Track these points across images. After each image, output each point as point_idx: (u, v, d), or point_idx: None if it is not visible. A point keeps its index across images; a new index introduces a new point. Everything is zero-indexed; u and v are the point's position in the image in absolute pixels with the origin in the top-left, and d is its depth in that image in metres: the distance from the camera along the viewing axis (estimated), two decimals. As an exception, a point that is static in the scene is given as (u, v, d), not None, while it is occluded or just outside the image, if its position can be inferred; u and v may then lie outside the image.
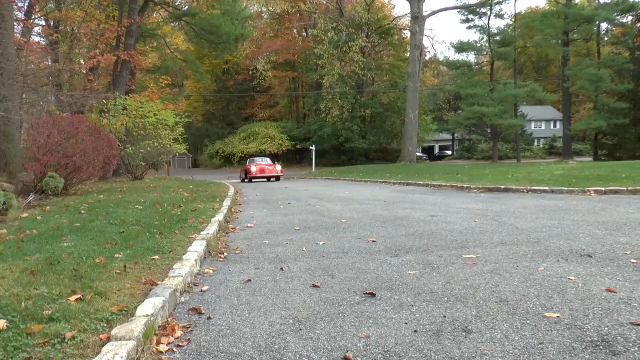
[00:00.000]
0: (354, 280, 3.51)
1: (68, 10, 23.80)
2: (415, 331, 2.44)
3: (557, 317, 2.55)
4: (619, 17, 38.06)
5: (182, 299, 3.19)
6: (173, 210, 7.67)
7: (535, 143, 61.61)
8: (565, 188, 9.87)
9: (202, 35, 28.79)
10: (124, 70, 22.81)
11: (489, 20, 43.00)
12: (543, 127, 66.46)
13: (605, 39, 41.90)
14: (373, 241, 5.09)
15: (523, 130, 46.46)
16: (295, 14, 46.66)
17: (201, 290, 3.38)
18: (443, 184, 13.50)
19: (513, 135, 43.59)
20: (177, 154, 25.58)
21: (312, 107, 47.70)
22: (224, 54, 35.99)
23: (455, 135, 63.06)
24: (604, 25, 40.89)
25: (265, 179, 25.02)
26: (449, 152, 64.78)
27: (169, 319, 2.74)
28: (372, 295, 3.08)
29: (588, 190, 9.33)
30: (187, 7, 30.42)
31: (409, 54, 31.29)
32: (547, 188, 10.11)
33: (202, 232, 5.31)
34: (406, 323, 2.56)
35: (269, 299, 3.12)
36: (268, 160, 26.98)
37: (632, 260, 3.77)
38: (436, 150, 68.64)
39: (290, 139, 45.48)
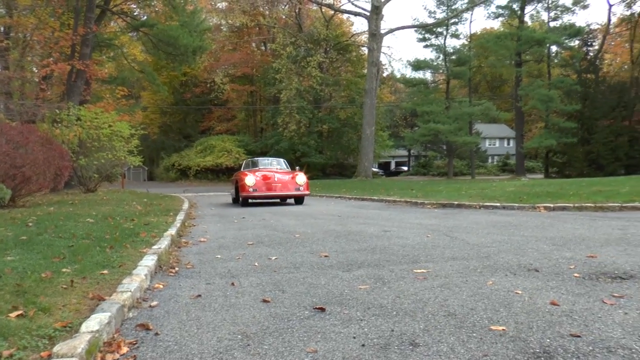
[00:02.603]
0: (305, 295, 3.51)
1: (20, 17, 23.17)
2: (363, 345, 2.45)
3: (503, 330, 2.61)
4: (567, 40, 39.65)
5: (130, 314, 3.12)
6: (125, 223, 7.52)
7: (490, 160, 63.10)
8: (517, 204, 10.12)
9: (160, 47, 28.53)
10: (78, 80, 22.30)
11: (445, 39, 44.06)
12: (497, 144, 68.13)
13: (555, 61, 43.44)
14: (326, 256, 5.10)
15: (478, 148, 47.51)
16: (254, 27, 46.72)
17: (150, 306, 3.31)
18: (398, 199, 13.66)
19: (468, 152, 44.59)
20: (132, 166, 25.07)
21: (269, 121, 47.60)
22: (182, 66, 35.67)
23: (412, 151, 64.01)
24: (554, 48, 42.41)
25: (274, 200, 15.11)
26: (405, 168, 65.63)
27: (115, 335, 2.67)
28: (322, 310, 3.09)
29: (538, 207, 9.59)
30: (145, 17, 30.12)
31: (366, 70, 31.64)
32: (499, 204, 10.35)
33: (153, 247, 5.22)
34: (354, 337, 2.57)
35: (219, 314, 3.09)
36: (282, 165, 15.88)
37: (575, 275, 3.88)
38: (392, 166, 69.47)
39: (247, 153, 45.22)
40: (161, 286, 3.90)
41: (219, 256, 5.30)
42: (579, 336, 2.49)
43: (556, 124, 37.80)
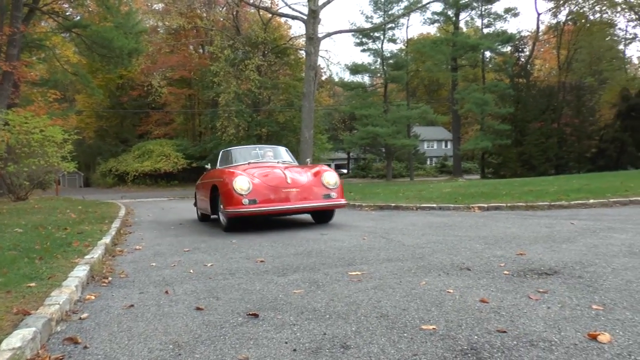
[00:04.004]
0: (239, 301, 3.49)
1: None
2: (295, 350, 2.46)
3: (433, 329, 2.67)
4: (499, 47, 41.22)
5: (59, 328, 3.01)
6: (57, 233, 7.26)
7: (428, 162, 64.53)
8: (452, 205, 10.38)
9: (94, 49, 27.64)
10: (6, 82, 21.33)
11: (382, 44, 44.78)
12: (435, 146, 69.75)
13: (490, 66, 44.98)
14: (261, 261, 5.08)
15: (416, 150, 48.54)
16: (191, 30, 46.08)
17: (80, 318, 3.21)
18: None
19: (407, 154, 45.47)
20: (66, 172, 24.18)
21: (208, 125, 47.03)
22: (117, 69, 34.70)
23: (351, 154, 64.66)
24: (488, 54, 43.93)
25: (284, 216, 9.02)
26: (345, 171, 66.22)
27: (40, 351, 2.58)
28: (256, 316, 3.08)
29: (472, 207, 9.87)
30: (79, 17, 29.16)
31: (304, 74, 31.73)
32: (435, 205, 10.59)
33: (86, 256, 5.06)
34: (286, 342, 2.57)
35: (151, 324, 3.03)
36: (286, 157, 10.03)
37: (505, 272, 4.02)
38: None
39: (186, 157, 44.58)
40: (93, 297, 3.79)
41: (154, 264, 5.20)
42: (505, 332, 2.58)
43: (491, 126, 39.20)
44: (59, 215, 10.97)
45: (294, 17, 31.28)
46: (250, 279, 4.23)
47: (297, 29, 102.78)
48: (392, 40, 46.20)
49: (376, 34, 44.19)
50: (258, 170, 8.28)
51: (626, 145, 38.24)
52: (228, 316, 3.12)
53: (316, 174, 8.24)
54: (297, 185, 7.79)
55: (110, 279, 4.48)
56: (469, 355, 2.29)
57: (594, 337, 2.46)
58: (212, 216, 9.33)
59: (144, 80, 44.65)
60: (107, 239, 6.51)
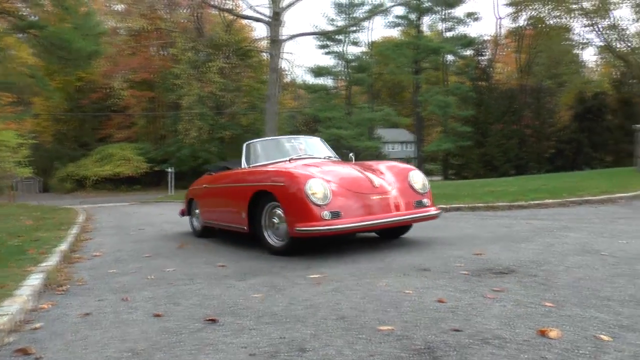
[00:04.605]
0: (198, 307, 3.46)
1: None
2: (252, 354, 2.45)
3: (390, 329, 2.70)
4: (461, 50, 41.95)
5: (10, 339, 2.93)
6: (11, 240, 7.07)
7: (392, 164, 64.85)
8: (413, 207, 10.46)
9: (51, 50, 27.03)
10: (-44, 85, 20.71)
11: (345, 47, 44.96)
12: (398, 148, 70.25)
13: (452, 69, 45.68)
14: (222, 266, 5.06)
15: (380, 152, 48.84)
16: (153, 31, 45.47)
17: (33, 328, 3.13)
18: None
19: (370, 156, 45.73)
20: (22, 178, 23.56)
21: (170, 128, 46.44)
22: (76, 71, 34.04)
23: (316, 156, 64.56)
24: (450, 57, 44.60)
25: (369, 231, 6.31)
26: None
27: (-12, 363, 2.52)
28: (215, 321, 3.06)
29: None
30: (35, 18, 28.43)
31: (267, 76, 31.69)
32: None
33: (42, 264, 4.95)
34: (245, 347, 2.57)
35: (108, 332, 2.98)
36: (329, 151, 7.37)
37: (464, 272, 4.09)
38: (298, 172, 69.67)
39: (147, 161, 43.95)
40: (48, 306, 3.70)
41: (113, 270, 5.11)
42: (460, 330, 2.63)
43: (453, 128, 39.82)
44: (13, 222, 10.69)
45: (257, 20, 31.24)
46: (211, 284, 4.21)
47: (261, 31, 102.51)
48: (355, 43, 46.44)
49: (339, 37, 44.37)
50: (325, 170, 5.86)
51: (582, 145, 39.43)
52: (187, 322, 3.09)
53: (399, 175, 6.03)
54: (385, 190, 5.63)
55: (67, 286, 4.38)
56: (425, 354, 2.33)
57: (544, 333, 2.53)
58: (238, 232, 6.52)
59: (104, 82, 43.92)
60: (64, 246, 6.38)
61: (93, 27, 29.63)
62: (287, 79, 48.98)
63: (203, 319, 3.15)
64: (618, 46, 38.97)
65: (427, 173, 47.43)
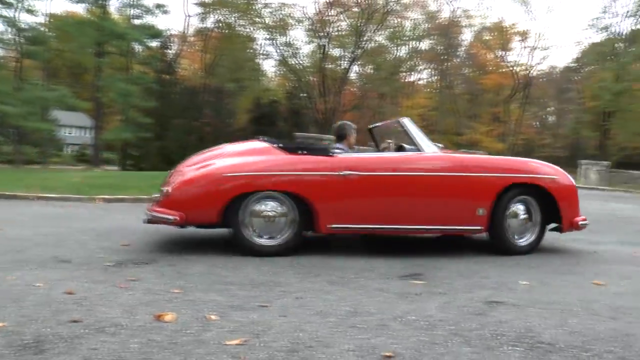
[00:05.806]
0: None
1: None
2: None
3: (2, 325, 2.53)
4: (147, 40, 41.50)
5: None
6: None
7: (66, 149, 60.74)
8: (75, 196, 9.98)
9: None
10: None
11: (18, 12, 40.26)
12: (75, 133, 66.18)
13: (138, 58, 44.82)
14: None
15: (53, 135, 45.31)
16: None
17: None
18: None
19: (42, 139, 42.01)
20: None
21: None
22: None
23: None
24: (138, 46, 43.71)
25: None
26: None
27: None
28: None
29: (96, 199, 9.67)
30: None
31: None
32: (56, 195, 10.02)
33: None
34: None
35: None
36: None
37: (107, 263, 4.08)
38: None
39: None
40: None
41: None
42: (79, 321, 2.61)
43: (134, 118, 38.96)
44: None
45: None
46: None
47: None
48: (30, 11, 41.77)
49: (10, 0, 39.45)
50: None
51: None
52: None
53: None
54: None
55: None
56: (31, 348, 2.25)
57: (159, 318, 2.70)
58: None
59: None
60: None
61: None
62: None
63: None
64: (292, 62, 43.58)
65: (105, 162, 45.71)
